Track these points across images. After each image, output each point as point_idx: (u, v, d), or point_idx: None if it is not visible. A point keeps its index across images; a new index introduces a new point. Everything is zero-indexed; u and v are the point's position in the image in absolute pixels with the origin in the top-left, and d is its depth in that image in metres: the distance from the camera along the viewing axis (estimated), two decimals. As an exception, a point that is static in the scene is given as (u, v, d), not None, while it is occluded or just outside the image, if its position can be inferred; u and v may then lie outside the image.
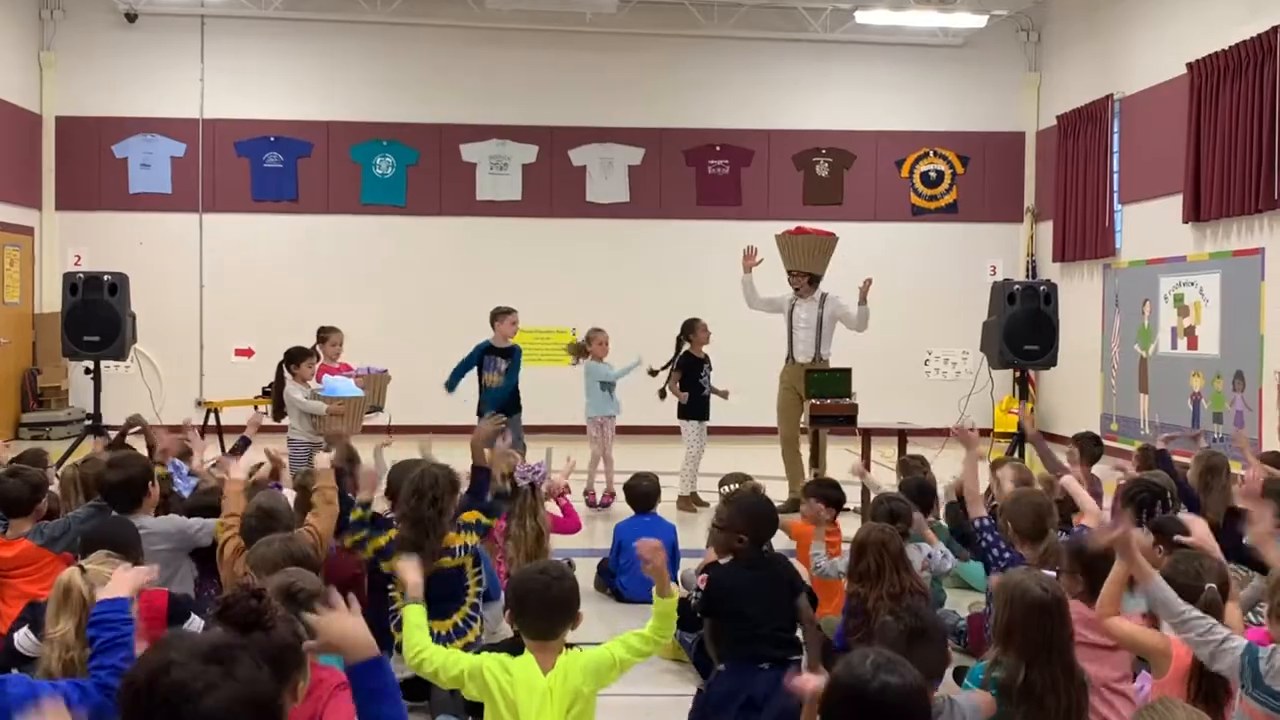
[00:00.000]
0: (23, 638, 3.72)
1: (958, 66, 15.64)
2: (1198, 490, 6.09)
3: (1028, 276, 14.97)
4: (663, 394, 10.07)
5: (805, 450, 9.69)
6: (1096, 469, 7.63)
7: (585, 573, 6.57)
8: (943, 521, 6.69)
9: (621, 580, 6.79)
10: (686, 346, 10.16)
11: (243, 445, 7.22)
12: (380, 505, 6.41)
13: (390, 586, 4.89)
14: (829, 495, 6.37)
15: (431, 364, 12.67)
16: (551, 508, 6.67)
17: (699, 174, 15.64)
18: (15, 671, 3.20)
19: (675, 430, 10.18)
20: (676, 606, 3.91)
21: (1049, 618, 3.53)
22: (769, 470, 8.94)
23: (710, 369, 10.14)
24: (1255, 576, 4.63)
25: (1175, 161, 12.00)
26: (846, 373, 9.32)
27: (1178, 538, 4.40)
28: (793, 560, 5.95)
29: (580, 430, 10.30)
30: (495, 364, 9.77)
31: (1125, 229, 13.56)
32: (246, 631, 2.36)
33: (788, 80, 15.57)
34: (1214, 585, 3.67)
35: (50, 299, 14.29)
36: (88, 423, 10.83)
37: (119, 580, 3.17)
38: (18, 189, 14.52)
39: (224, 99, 15.14)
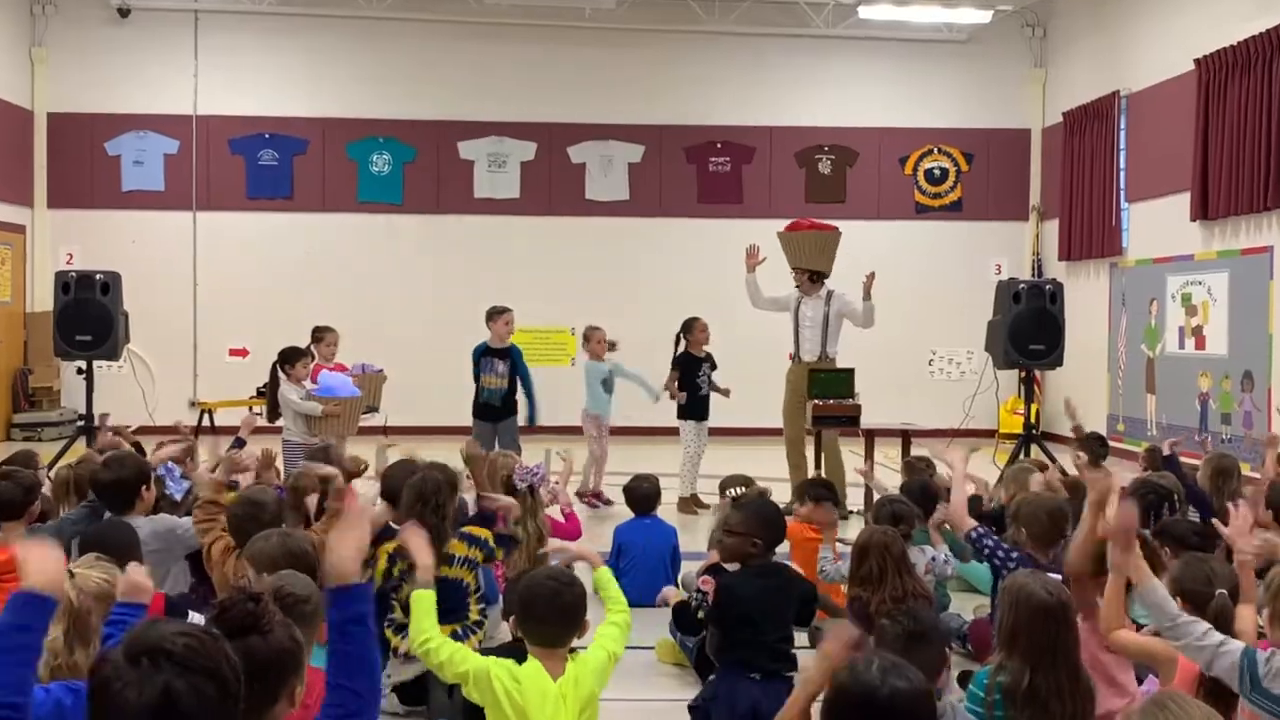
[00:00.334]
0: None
1: (962, 62, 15.64)
2: (1209, 493, 6.09)
3: (1033, 275, 14.97)
4: (655, 399, 10.07)
5: (811, 452, 9.68)
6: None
7: (584, 576, 6.56)
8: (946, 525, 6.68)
9: (622, 583, 6.75)
10: (685, 346, 10.15)
11: (237, 446, 7.22)
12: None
13: (393, 597, 4.89)
14: (822, 495, 6.37)
15: (428, 364, 12.74)
16: (552, 511, 6.67)
17: (700, 171, 15.64)
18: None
19: (675, 431, 10.18)
20: (610, 577, 4.06)
21: (1054, 621, 3.52)
22: (770, 472, 8.93)
23: (711, 368, 10.13)
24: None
25: (1183, 159, 12.00)
26: (849, 373, 9.31)
27: (1215, 523, 4.39)
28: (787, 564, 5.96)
29: (579, 431, 10.29)
30: (492, 365, 9.76)
31: (1132, 227, 13.56)
32: (243, 635, 2.36)
33: (789, 76, 15.57)
34: (1224, 591, 3.65)
35: (42, 298, 14.29)
36: (80, 424, 10.83)
37: (141, 586, 3.18)
38: (9, 186, 14.52)
39: (218, 95, 15.13)
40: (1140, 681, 4.10)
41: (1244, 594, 3.80)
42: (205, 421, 12.32)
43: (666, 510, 8.27)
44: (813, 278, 9.80)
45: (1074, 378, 13.07)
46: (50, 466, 7.80)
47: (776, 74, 15.55)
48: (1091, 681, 3.57)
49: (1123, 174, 13.61)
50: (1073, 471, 7.02)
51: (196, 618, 3.97)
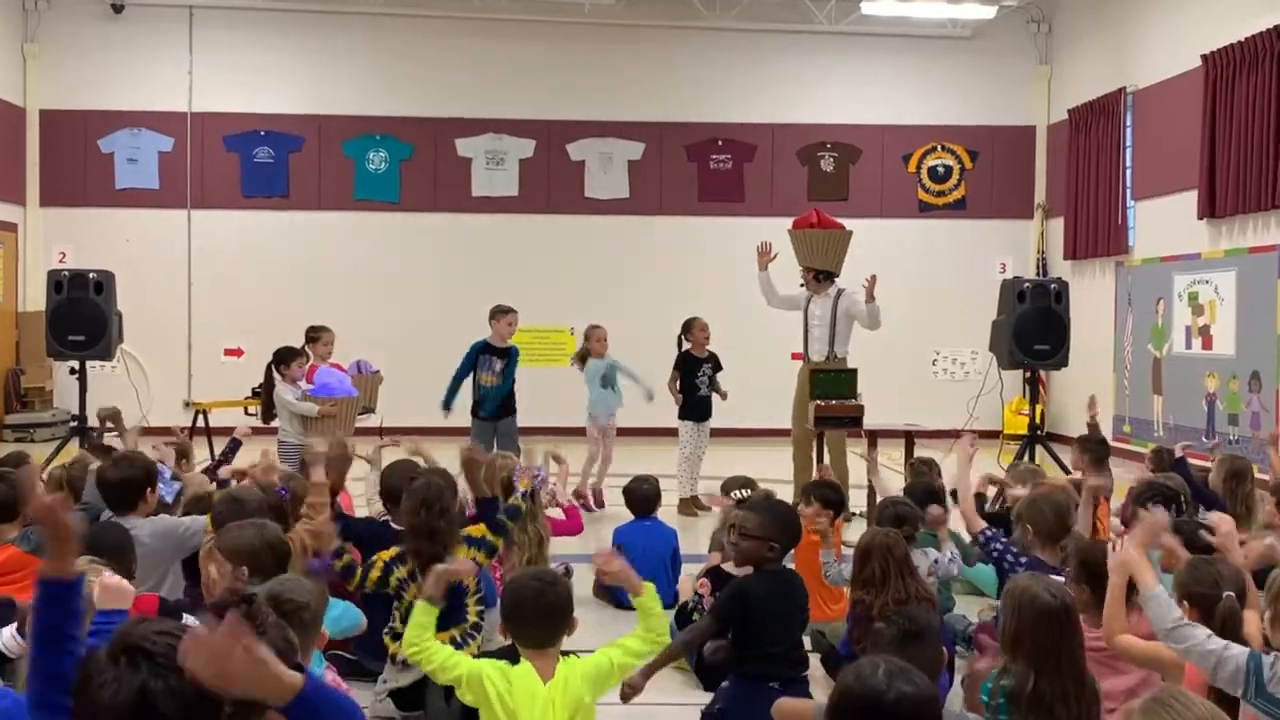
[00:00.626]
0: (9, 638, 3.72)
1: (966, 59, 15.64)
2: (1222, 496, 6.09)
3: (1038, 274, 14.97)
4: (649, 397, 10.07)
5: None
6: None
7: (584, 579, 6.58)
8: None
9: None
10: (687, 345, 10.15)
11: (233, 448, 7.23)
12: (370, 508, 6.46)
13: (395, 605, 4.89)
14: (826, 497, 6.37)
15: (425, 364, 12.69)
16: (553, 510, 6.67)
17: (700, 169, 15.64)
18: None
19: (676, 431, 10.18)
20: (656, 600, 3.97)
21: (1058, 625, 3.52)
22: (771, 474, 8.93)
23: (714, 369, 10.11)
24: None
25: (1189, 156, 12.00)
26: (852, 373, 9.31)
27: (1202, 534, 4.40)
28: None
29: (580, 433, 10.30)
30: (491, 364, 9.76)
31: (1138, 225, 13.56)
32: None
33: (792, 73, 15.57)
34: (1232, 594, 3.64)
35: (34, 297, 14.29)
36: (73, 424, 10.84)
37: (121, 592, 3.16)
38: (1, 184, 14.52)
39: (213, 92, 15.14)
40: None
41: (1248, 599, 3.81)
42: (200, 422, 12.32)
43: (668, 512, 8.29)
44: (819, 276, 9.77)
45: (1079, 378, 13.08)
46: (43, 468, 7.80)
47: (778, 70, 15.55)
48: (1097, 685, 3.57)
49: (1129, 172, 13.61)
50: (1076, 473, 7.03)
51: (192, 621, 3.98)
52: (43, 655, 2.39)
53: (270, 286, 14.92)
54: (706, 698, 4.92)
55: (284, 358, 8.92)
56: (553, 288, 14.92)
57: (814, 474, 9.37)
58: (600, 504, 9.65)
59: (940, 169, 15.83)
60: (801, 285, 9.87)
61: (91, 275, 10.31)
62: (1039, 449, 10.44)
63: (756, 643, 4.62)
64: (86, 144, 15.05)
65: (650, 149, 15.53)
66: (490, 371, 9.75)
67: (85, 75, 15.02)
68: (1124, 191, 13.64)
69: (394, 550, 4.96)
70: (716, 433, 10.30)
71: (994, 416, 12.88)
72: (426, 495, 4.93)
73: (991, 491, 7.21)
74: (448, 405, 9.79)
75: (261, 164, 15.29)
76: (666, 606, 6.46)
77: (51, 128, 15.06)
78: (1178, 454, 6.78)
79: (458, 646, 4.84)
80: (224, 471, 6.70)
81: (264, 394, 9.18)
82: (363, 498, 6.70)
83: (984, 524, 5.23)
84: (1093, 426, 8.22)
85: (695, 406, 10.03)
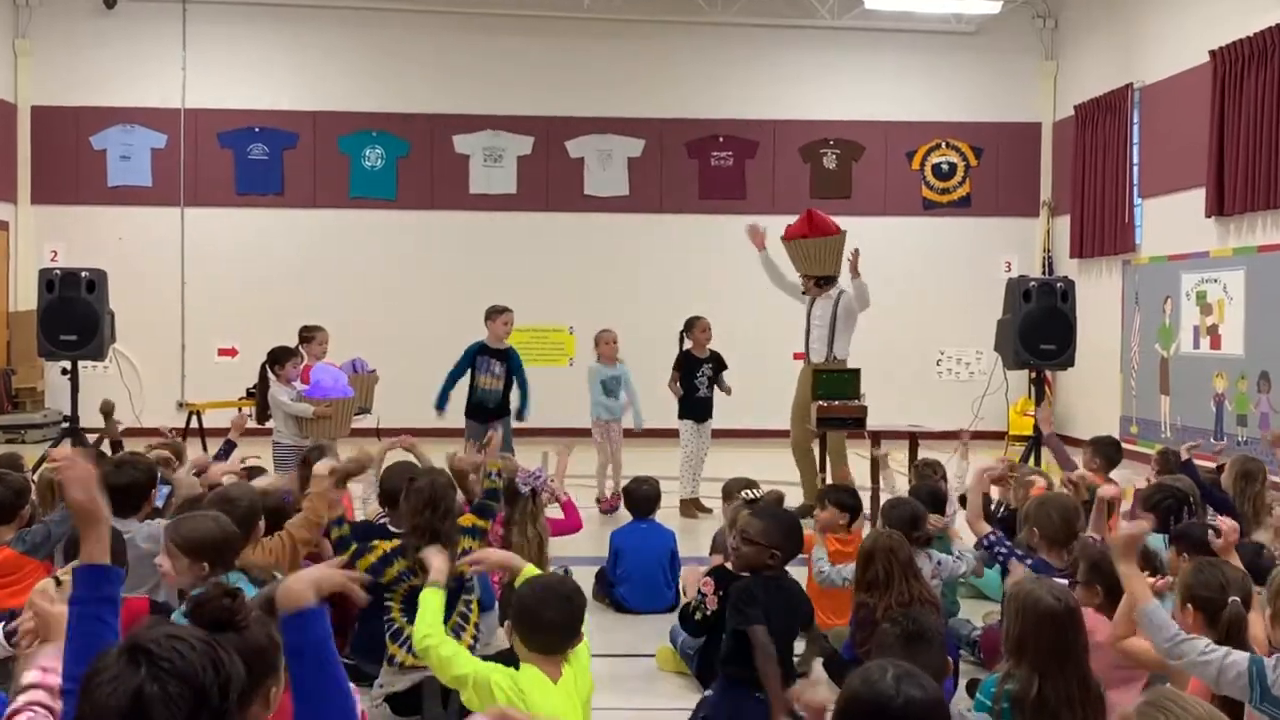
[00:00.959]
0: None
1: (971, 54, 15.64)
2: (1232, 496, 6.10)
3: (1044, 273, 14.97)
4: (637, 425, 10.10)
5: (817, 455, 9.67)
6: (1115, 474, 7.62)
7: (583, 582, 6.57)
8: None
9: (621, 591, 6.79)
10: (688, 344, 10.15)
11: (227, 449, 7.24)
12: (365, 509, 6.47)
13: (387, 598, 4.89)
14: (844, 501, 6.38)
15: (422, 364, 12.68)
16: (551, 509, 6.68)
17: (701, 166, 15.65)
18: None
19: (678, 433, 10.19)
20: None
21: (1062, 628, 3.53)
22: (772, 475, 8.94)
23: (712, 368, 10.08)
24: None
25: (1197, 153, 12.01)
26: (855, 373, 9.31)
27: (1210, 538, 4.40)
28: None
29: (578, 433, 10.31)
30: (489, 365, 9.75)
31: (1146, 223, 13.56)
32: (218, 631, 2.35)
33: (794, 69, 15.57)
34: (1238, 599, 3.63)
35: (25, 296, 14.30)
36: (65, 425, 10.83)
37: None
38: (-8, 182, 14.54)
39: (206, 88, 15.14)
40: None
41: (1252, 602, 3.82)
42: (193, 423, 12.32)
43: (669, 514, 8.30)
44: (819, 282, 9.79)
45: (1086, 378, 13.08)
46: (34, 469, 7.81)
47: (780, 66, 15.56)
48: (1102, 688, 3.58)
49: (1136, 169, 13.62)
50: (1083, 471, 7.03)
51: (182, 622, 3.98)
52: (80, 640, 2.40)
53: (265, 285, 14.93)
54: (707, 702, 4.92)
55: (278, 358, 8.93)
56: (551, 287, 14.93)
57: (819, 476, 9.41)
58: (614, 505, 9.66)
59: (944, 166, 15.83)
60: (805, 293, 9.88)
61: (84, 274, 10.29)
62: (1044, 450, 10.43)
63: (749, 647, 4.62)
64: (78, 141, 15.06)
65: (650, 146, 15.53)
66: (489, 374, 9.73)
67: (77, 71, 15.02)
68: (1131, 189, 13.64)
69: (395, 542, 4.97)
70: (718, 433, 10.30)
71: (999, 417, 12.86)
72: (431, 495, 4.93)
73: (996, 493, 7.21)
74: (440, 406, 9.79)
75: (256, 161, 15.29)
76: (666, 608, 6.51)
77: (43, 124, 15.07)
78: (1184, 455, 6.78)
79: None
80: (214, 472, 6.68)
81: (258, 395, 9.18)
82: (359, 499, 6.71)
83: (989, 528, 5.23)
84: (1050, 436, 8.17)
85: (694, 406, 10.03)
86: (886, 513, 5.64)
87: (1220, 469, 6.87)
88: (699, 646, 5.37)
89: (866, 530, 5.92)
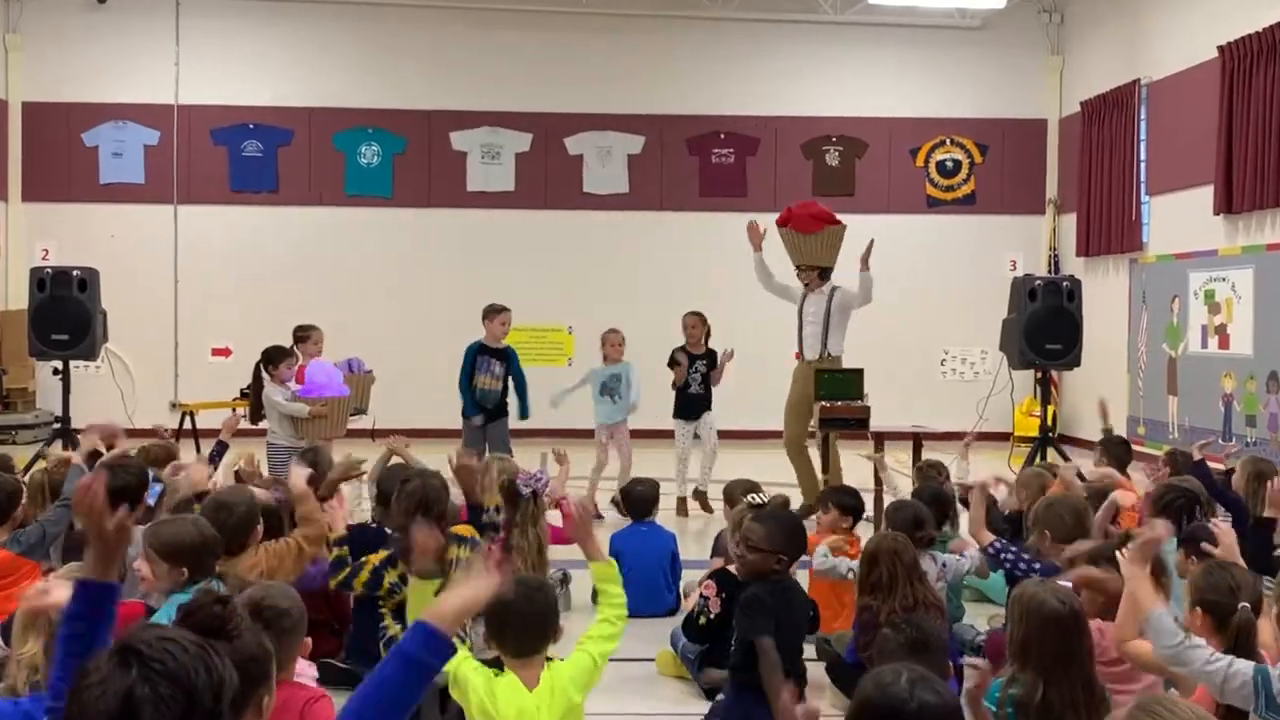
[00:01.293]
0: None
1: (976, 50, 15.64)
2: (1244, 498, 6.09)
3: (1050, 272, 14.97)
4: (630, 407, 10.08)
5: (815, 456, 9.66)
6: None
7: (582, 585, 6.57)
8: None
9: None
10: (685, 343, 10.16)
11: (220, 450, 7.24)
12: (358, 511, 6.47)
13: (380, 604, 4.90)
14: (845, 503, 6.38)
15: (419, 364, 12.75)
16: (551, 516, 6.67)
17: (702, 163, 15.64)
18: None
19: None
20: (615, 575, 3.93)
21: (1067, 632, 3.53)
22: (773, 476, 8.94)
23: (706, 365, 10.04)
24: None
25: (1206, 150, 12.00)
26: (858, 373, 9.30)
27: (1205, 546, 4.40)
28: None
29: (577, 434, 10.31)
30: (489, 365, 9.76)
31: (1153, 221, 13.56)
32: (209, 639, 2.35)
33: (796, 64, 15.57)
34: (1248, 605, 3.62)
35: (16, 295, 14.28)
36: (56, 426, 10.84)
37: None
38: (-18, 179, 14.54)
39: (200, 84, 15.14)
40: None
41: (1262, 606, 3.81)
42: (187, 424, 12.32)
43: (669, 515, 8.30)
44: (819, 274, 9.75)
45: (1092, 378, 13.07)
46: (25, 470, 7.81)
47: (782, 62, 15.55)
48: (1107, 692, 3.57)
49: (1143, 166, 13.61)
50: (1091, 476, 7.03)
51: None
52: (70, 656, 2.39)
53: (259, 284, 14.92)
54: (706, 707, 4.92)
55: (272, 358, 8.91)
56: (550, 285, 14.93)
57: (820, 477, 9.40)
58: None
59: (949, 163, 15.83)
60: (806, 284, 9.85)
61: (75, 272, 10.31)
62: (1050, 451, 10.44)
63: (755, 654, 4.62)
64: (70, 137, 15.05)
65: (650, 142, 15.53)
66: (489, 374, 9.74)
67: (69, 67, 15.02)
68: (1138, 186, 13.63)
69: (383, 554, 4.97)
70: (718, 434, 10.27)
71: (1004, 418, 12.87)
72: (424, 498, 4.93)
73: (1001, 493, 7.20)
74: (470, 413, 9.75)
75: (250, 158, 15.29)
76: (667, 611, 6.50)
77: (34, 121, 15.06)
78: (1196, 456, 6.78)
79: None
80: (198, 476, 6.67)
81: (252, 395, 9.18)
82: (352, 501, 6.71)
83: (992, 536, 5.23)
84: (1107, 431, 8.21)
85: (685, 404, 10.03)
86: (891, 515, 5.64)
87: (1229, 470, 6.86)
88: (700, 651, 5.37)
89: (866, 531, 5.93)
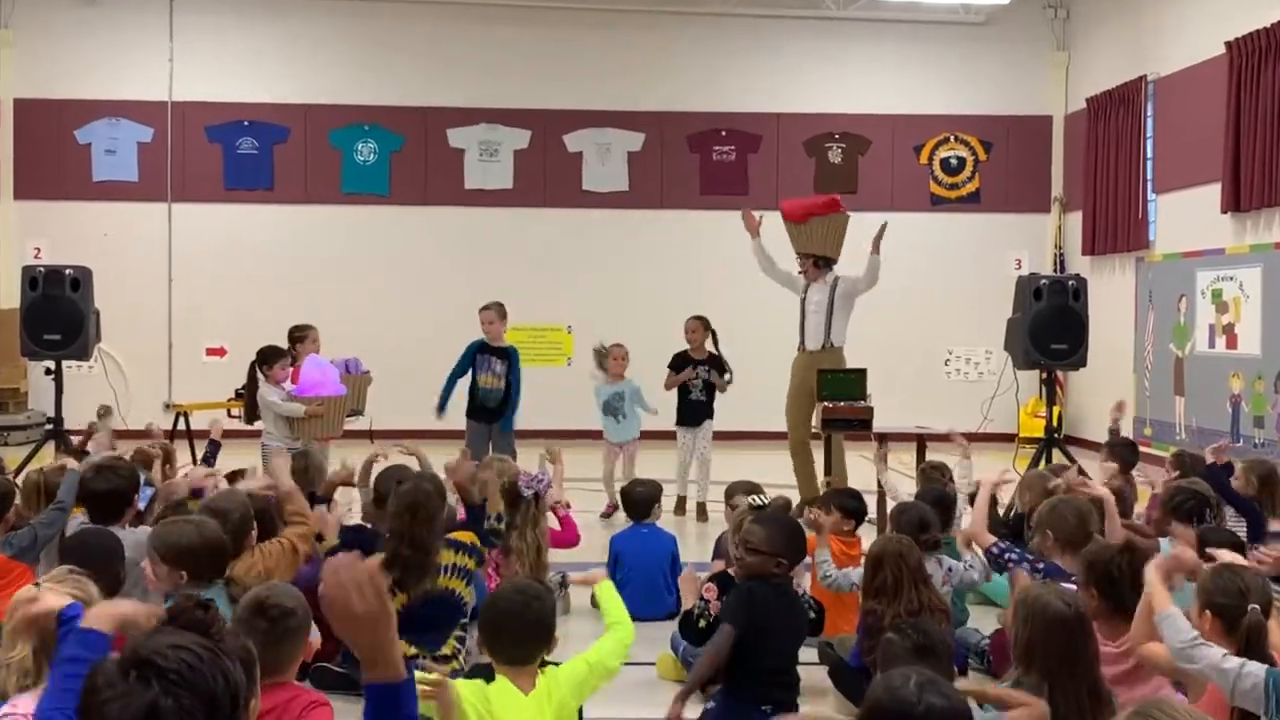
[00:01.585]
0: None
1: (980, 46, 15.64)
2: (1253, 500, 6.09)
3: (1055, 270, 14.97)
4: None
5: (819, 454, 9.65)
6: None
7: (582, 589, 6.56)
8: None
9: (621, 596, 6.76)
10: (686, 347, 10.15)
11: (213, 450, 7.23)
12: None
13: None
14: (848, 505, 6.37)
15: (416, 364, 12.67)
16: (549, 520, 6.67)
17: (703, 160, 15.64)
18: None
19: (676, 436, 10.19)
20: (613, 594, 4.05)
21: (1071, 635, 3.52)
22: (774, 478, 8.92)
23: (707, 371, 10.02)
24: None
25: (1213, 147, 12.00)
26: (861, 373, 9.29)
27: (1210, 551, 4.39)
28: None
29: (576, 436, 10.30)
30: (490, 364, 9.74)
31: (1160, 220, 13.56)
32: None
33: (798, 60, 15.56)
34: (1257, 607, 3.62)
35: (8, 294, 14.26)
36: (48, 427, 10.82)
37: (103, 614, 2.92)
38: (-27, 177, 14.53)
39: (194, 80, 15.13)
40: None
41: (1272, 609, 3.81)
42: (181, 425, 12.31)
43: (669, 518, 8.28)
44: (818, 263, 9.73)
45: (1098, 378, 13.07)
46: (18, 472, 7.81)
47: (784, 58, 15.55)
48: (1113, 696, 3.57)
49: (1150, 163, 13.61)
50: (1096, 477, 7.02)
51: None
52: (64, 693, 2.37)
53: (254, 283, 14.92)
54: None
55: (266, 357, 8.89)
56: (549, 285, 14.93)
57: (820, 479, 9.39)
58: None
59: (953, 161, 15.82)
60: (802, 273, 9.83)
61: (68, 271, 10.29)
62: (1056, 453, 10.43)
63: (754, 655, 4.61)
64: (62, 134, 15.05)
65: (650, 139, 15.53)
66: (490, 372, 9.72)
67: (61, 63, 15.01)
68: (1145, 184, 13.63)
69: (377, 557, 4.96)
70: (719, 435, 10.28)
71: (1009, 419, 12.87)
72: (413, 501, 4.93)
73: (1004, 495, 7.20)
74: (442, 408, 9.77)
75: (245, 155, 15.28)
76: (667, 614, 6.49)
77: (26, 118, 15.05)
78: (1209, 459, 6.78)
79: (445, 661, 4.85)
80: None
81: (247, 395, 9.16)
82: (346, 504, 6.70)
83: (993, 539, 5.23)
84: (1114, 432, 8.21)
85: (686, 410, 10.01)
86: (896, 517, 5.63)
87: (1226, 464, 6.86)
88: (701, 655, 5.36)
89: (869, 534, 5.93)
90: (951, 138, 15.80)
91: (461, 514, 5.61)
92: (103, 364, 12.91)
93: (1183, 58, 12.90)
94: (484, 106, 15.38)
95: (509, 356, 9.79)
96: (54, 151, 15.04)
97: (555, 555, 6.73)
